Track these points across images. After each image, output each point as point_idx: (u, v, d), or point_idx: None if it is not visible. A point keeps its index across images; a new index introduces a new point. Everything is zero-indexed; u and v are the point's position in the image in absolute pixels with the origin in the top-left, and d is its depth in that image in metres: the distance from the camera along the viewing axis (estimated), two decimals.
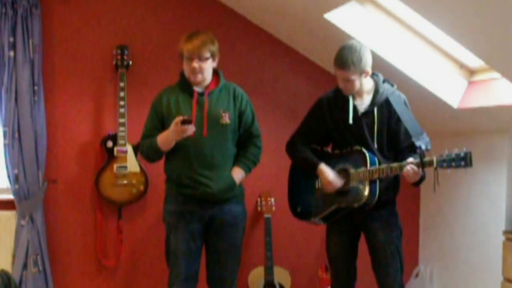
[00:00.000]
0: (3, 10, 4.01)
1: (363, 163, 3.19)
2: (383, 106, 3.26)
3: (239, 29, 4.49)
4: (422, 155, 3.00)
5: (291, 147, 3.51)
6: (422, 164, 3.00)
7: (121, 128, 4.17)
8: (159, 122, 3.38)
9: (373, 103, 3.26)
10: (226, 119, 3.32)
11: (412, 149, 3.17)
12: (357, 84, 3.22)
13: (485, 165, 3.89)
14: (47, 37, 4.19)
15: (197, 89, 3.34)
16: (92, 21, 4.30)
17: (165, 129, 3.31)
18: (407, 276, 4.49)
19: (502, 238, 3.67)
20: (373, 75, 3.29)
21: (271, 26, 4.46)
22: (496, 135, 3.84)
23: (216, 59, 3.37)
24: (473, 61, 3.76)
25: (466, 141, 4.02)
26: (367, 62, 3.20)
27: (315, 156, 3.40)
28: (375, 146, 3.24)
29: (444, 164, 2.94)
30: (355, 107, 3.27)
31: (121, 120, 4.17)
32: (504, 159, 3.78)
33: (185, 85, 3.36)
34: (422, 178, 3.13)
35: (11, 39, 4.03)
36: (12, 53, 4.03)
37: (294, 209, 3.57)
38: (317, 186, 3.45)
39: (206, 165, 3.30)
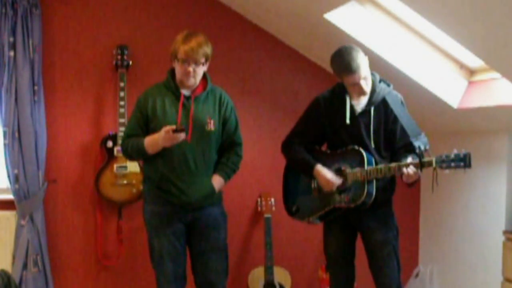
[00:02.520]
0: (3, 10, 4.01)
1: (360, 162, 3.19)
2: (380, 105, 3.27)
3: (239, 29, 4.49)
4: (421, 156, 3.00)
5: (287, 147, 3.50)
6: (421, 165, 2.99)
7: (121, 128, 4.16)
8: (143, 121, 3.32)
9: (370, 102, 3.27)
10: (211, 126, 3.29)
11: (408, 149, 3.18)
12: (369, 81, 3.23)
13: (485, 165, 3.89)
14: (47, 37, 4.19)
15: (184, 92, 3.30)
16: (92, 21, 4.30)
17: (148, 129, 3.29)
18: (407, 276, 4.49)
19: (502, 238, 3.67)
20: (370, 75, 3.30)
21: (271, 26, 4.46)
22: (496, 135, 3.84)
23: (208, 63, 3.33)
24: (473, 61, 3.76)
25: (466, 141, 4.04)
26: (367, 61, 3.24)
27: (311, 156, 3.39)
28: (372, 145, 3.25)
29: (444, 165, 2.94)
30: (352, 107, 3.28)
31: (121, 120, 4.17)
32: (504, 159, 3.79)
33: (172, 86, 3.32)
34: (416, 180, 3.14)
35: (11, 39, 4.03)
36: (12, 53, 4.03)
37: (289, 209, 3.56)
38: (313, 186, 3.44)
39: (188, 171, 3.26)
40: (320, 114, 3.37)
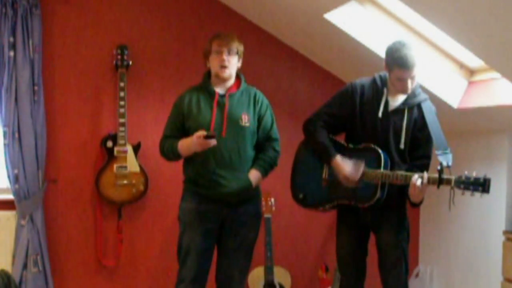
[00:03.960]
0: (3, 10, 4.01)
1: (376, 163, 3.13)
2: (413, 109, 3.20)
3: (239, 29, 4.48)
4: (441, 172, 2.96)
5: (312, 126, 3.36)
6: (439, 181, 2.96)
7: (121, 128, 4.17)
8: (180, 121, 3.40)
9: (405, 102, 3.20)
10: (245, 121, 3.34)
11: (423, 163, 3.15)
12: (415, 83, 3.17)
13: (485, 165, 3.89)
14: (47, 37, 4.19)
15: (219, 90, 3.37)
16: (92, 21, 4.30)
17: (185, 128, 3.36)
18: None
19: (502, 238, 3.67)
20: None
21: (271, 26, 4.46)
22: (496, 135, 3.84)
23: (241, 60, 3.42)
24: (473, 61, 3.76)
25: (466, 141, 4.04)
26: None
27: (332, 146, 3.29)
28: (401, 146, 3.18)
29: (462, 186, 2.90)
30: (386, 102, 3.21)
31: (121, 120, 4.17)
32: (504, 159, 3.78)
33: (207, 86, 3.39)
34: (421, 200, 3.13)
35: (11, 39, 4.03)
36: (12, 53, 4.03)
37: (295, 195, 3.49)
38: (324, 176, 3.36)
39: (223, 166, 3.31)
40: (355, 100, 3.27)
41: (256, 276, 4.33)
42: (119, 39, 4.29)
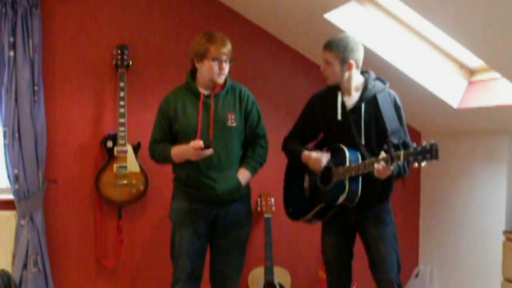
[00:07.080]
0: (3, 10, 4.01)
1: (343, 160, 3.19)
2: (370, 102, 3.24)
3: (239, 29, 4.49)
4: (389, 150, 2.97)
5: (284, 144, 3.56)
6: (391, 159, 2.97)
7: (121, 128, 4.17)
8: (167, 125, 3.40)
9: (360, 99, 3.25)
10: (232, 121, 3.34)
11: (404, 147, 3.14)
12: (336, 70, 3.24)
13: (485, 165, 3.89)
14: (47, 37, 4.19)
15: (204, 91, 3.35)
16: (92, 21, 4.30)
17: (172, 132, 3.36)
18: (407, 276, 4.49)
19: (502, 238, 3.67)
20: (364, 73, 3.30)
21: (271, 26, 4.46)
22: (496, 135, 3.84)
23: None
24: (473, 61, 3.76)
25: (466, 141, 4.04)
26: (352, 53, 3.21)
27: (301, 147, 3.43)
28: (363, 142, 3.22)
29: (411, 158, 2.90)
30: (343, 104, 3.27)
31: (121, 120, 4.17)
32: (504, 159, 3.78)
33: (192, 87, 3.37)
34: (400, 174, 3.14)
35: (11, 39, 4.03)
36: (12, 53, 4.03)
37: (286, 210, 3.60)
38: (305, 185, 3.46)
39: (212, 167, 3.32)
40: (314, 113, 3.40)
41: (256, 276, 4.33)
42: (119, 39, 4.29)
